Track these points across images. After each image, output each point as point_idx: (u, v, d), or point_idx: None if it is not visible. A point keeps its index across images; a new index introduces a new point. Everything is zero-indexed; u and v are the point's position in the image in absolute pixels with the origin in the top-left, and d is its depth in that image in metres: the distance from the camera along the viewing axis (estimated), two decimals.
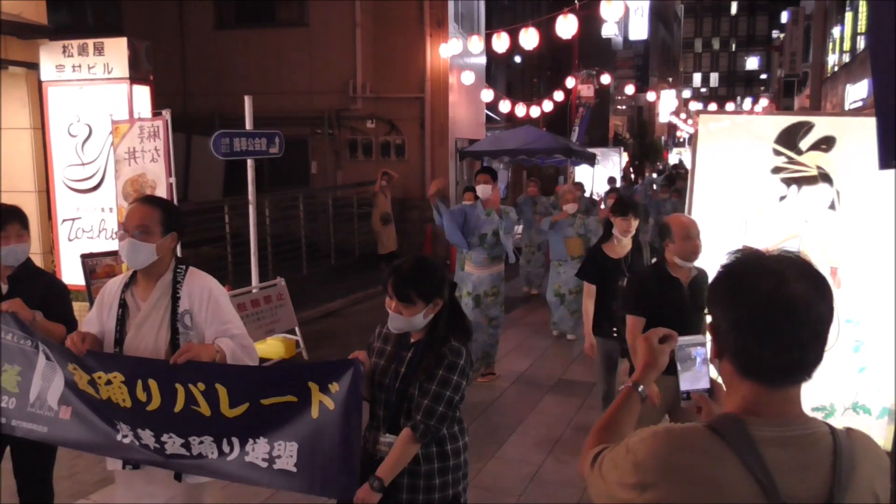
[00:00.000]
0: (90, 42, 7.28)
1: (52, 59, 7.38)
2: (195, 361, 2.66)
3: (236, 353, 2.82)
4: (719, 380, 1.57)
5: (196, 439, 2.69)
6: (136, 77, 7.23)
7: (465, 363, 2.61)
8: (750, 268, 1.37)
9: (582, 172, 18.33)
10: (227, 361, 2.79)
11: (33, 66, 7.46)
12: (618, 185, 19.71)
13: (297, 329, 7.47)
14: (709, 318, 1.45)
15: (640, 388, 1.73)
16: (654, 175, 25.89)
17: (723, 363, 1.42)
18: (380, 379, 2.70)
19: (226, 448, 2.68)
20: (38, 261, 7.66)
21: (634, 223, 5.10)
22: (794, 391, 1.36)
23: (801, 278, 1.32)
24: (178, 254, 3.07)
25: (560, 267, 8.35)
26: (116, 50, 7.20)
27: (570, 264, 8.15)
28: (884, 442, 3.30)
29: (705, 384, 1.66)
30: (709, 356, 1.64)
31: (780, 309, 1.30)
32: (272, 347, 7.28)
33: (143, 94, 7.33)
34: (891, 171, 2.91)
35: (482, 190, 6.67)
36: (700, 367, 1.66)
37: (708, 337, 1.66)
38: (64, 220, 7.58)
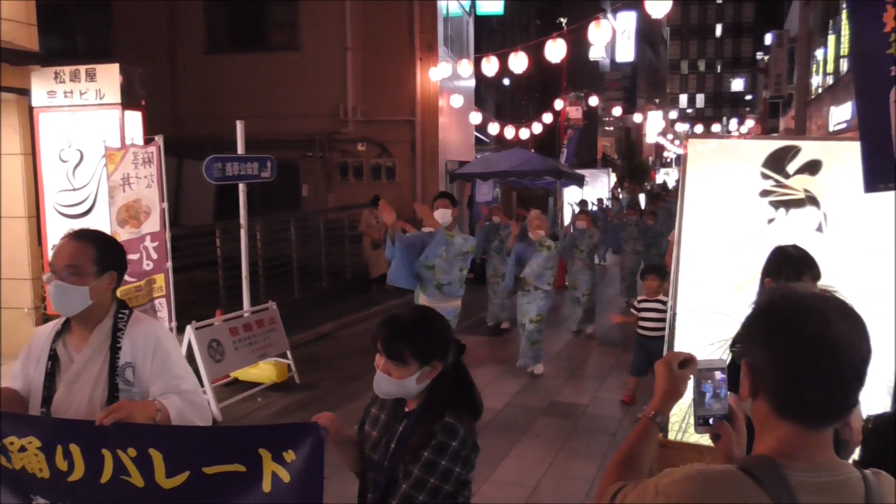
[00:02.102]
0: (82, 68, 7.30)
1: (43, 86, 7.39)
2: (126, 423, 2.26)
3: (184, 413, 2.44)
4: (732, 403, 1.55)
5: None
6: (128, 103, 7.24)
7: (459, 445, 2.12)
8: (792, 307, 1.34)
9: (571, 194, 18.45)
10: (172, 423, 2.41)
11: (24, 93, 7.47)
12: (605, 205, 19.75)
13: (289, 353, 7.46)
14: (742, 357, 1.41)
15: (659, 418, 1.66)
16: (635, 196, 24.43)
17: (757, 402, 1.39)
18: (370, 454, 2.29)
19: None
20: (27, 287, 7.72)
21: None
22: (828, 434, 1.35)
23: (844, 319, 1.31)
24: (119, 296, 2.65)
25: (524, 297, 7.98)
26: (109, 76, 7.21)
27: (532, 294, 7.88)
28: None
29: (723, 410, 1.60)
30: (727, 388, 1.58)
31: (825, 350, 1.28)
32: (264, 371, 7.26)
33: (135, 119, 7.34)
34: (876, 194, 2.97)
35: (441, 215, 6.32)
36: (720, 392, 1.60)
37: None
38: (54, 246, 7.56)
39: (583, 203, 16.18)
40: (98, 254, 2.48)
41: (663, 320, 6.54)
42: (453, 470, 2.12)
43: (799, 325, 1.31)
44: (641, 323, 6.85)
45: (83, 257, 2.46)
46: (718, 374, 1.61)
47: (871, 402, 3.41)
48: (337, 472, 2.46)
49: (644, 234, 12.47)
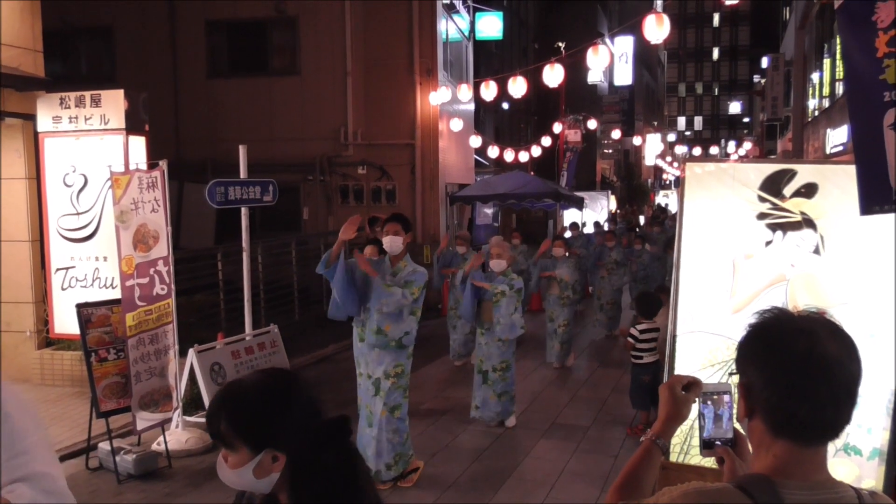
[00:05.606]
0: (87, 94, 7.40)
1: (49, 111, 7.49)
2: None
3: None
4: (738, 426, 1.55)
5: None
6: (132, 128, 7.34)
7: None
8: (783, 327, 1.39)
9: (570, 216, 18.54)
10: None
11: (30, 118, 7.56)
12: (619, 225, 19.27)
13: None
14: (737, 378, 1.44)
15: (661, 441, 1.67)
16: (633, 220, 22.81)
17: (753, 422, 1.42)
18: None
19: None
20: (30, 310, 7.75)
21: None
22: (822, 451, 1.38)
23: (833, 338, 1.36)
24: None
25: (482, 337, 6.89)
26: (113, 101, 7.31)
27: (491, 334, 6.78)
28: (876, 483, 3.34)
29: (728, 433, 1.59)
30: (735, 409, 1.58)
31: (815, 367, 1.32)
32: None
33: (138, 144, 7.44)
34: (872, 217, 3.02)
35: (390, 242, 5.42)
36: (724, 416, 1.60)
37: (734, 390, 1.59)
38: (57, 270, 7.61)
39: (574, 226, 14.87)
40: None
41: (638, 349, 6.69)
42: None
43: (789, 343, 1.35)
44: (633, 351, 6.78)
45: None
46: (726, 398, 1.60)
47: (871, 421, 3.43)
48: None
49: (627, 261, 11.59)
